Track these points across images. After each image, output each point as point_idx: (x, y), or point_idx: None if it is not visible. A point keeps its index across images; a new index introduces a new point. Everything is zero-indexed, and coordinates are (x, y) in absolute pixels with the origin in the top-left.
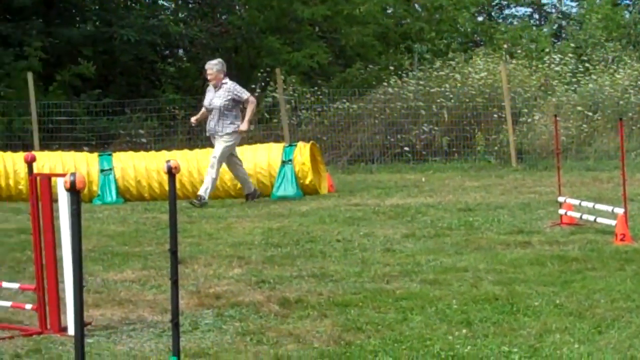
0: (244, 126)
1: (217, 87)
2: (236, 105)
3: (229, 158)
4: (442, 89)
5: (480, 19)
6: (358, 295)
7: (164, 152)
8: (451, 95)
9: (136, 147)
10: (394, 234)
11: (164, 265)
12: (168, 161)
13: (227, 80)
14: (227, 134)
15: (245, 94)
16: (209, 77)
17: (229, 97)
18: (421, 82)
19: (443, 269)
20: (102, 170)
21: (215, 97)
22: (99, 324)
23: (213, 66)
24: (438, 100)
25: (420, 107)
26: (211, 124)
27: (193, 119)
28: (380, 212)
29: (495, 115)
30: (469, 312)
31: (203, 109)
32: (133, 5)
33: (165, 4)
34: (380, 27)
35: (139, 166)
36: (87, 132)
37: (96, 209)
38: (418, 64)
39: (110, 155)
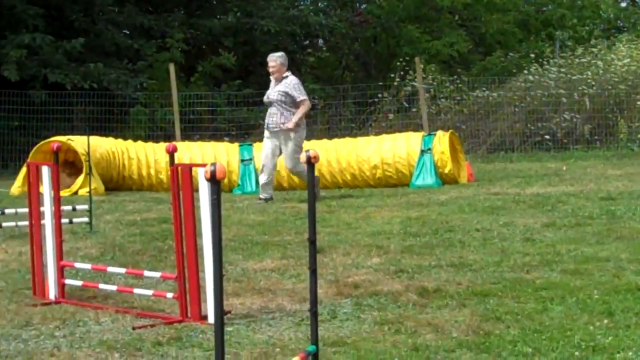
0: (290, 124)
1: (278, 80)
2: (293, 102)
3: (273, 153)
4: (584, 76)
5: (623, 4)
6: (497, 285)
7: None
8: (593, 83)
9: None
10: (534, 223)
11: (302, 254)
12: (307, 151)
13: (289, 74)
14: (290, 129)
15: (302, 96)
16: (271, 70)
17: (285, 91)
18: (562, 70)
19: (584, 258)
20: (242, 160)
21: (273, 92)
22: (239, 312)
23: (277, 58)
24: (580, 88)
25: (562, 94)
26: (273, 118)
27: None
28: (520, 201)
29: (639, 103)
30: (611, 303)
31: None
32: None
33: None
34: (520, 14)
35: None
36: (227, 123)
37: (236, 199)
38: (559, 51)
39: (250, 145)
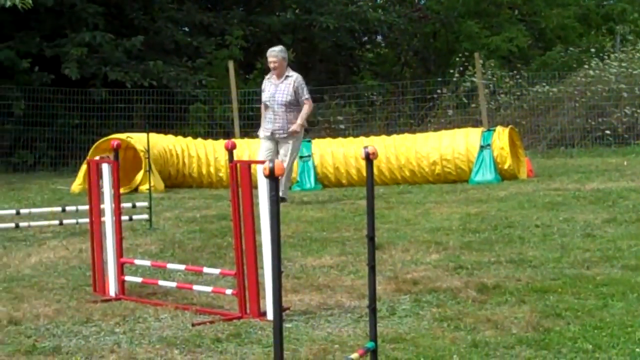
0: (296, 126)
1: (280, 77)
2: (298, 102)
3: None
4: None
5: None
6: (557, 281)
7: (362, 138)
8: None
9: (335, 133)
10: (595, 219)
11: (361, 250)
12: (366, 147)
13: (291, 71)
14: (297, 131)
15: (307, 94)
16: (273, 66)
17: (294, 91)
18: (623, 64)
19: None
20: (301, 157)
21: (278, 92)
22: (298, 309)
23: (278, 53)
24: None
25: (622, 89)
26: (278, 123)
27: (262, 136)
28: (581, 196)
29: None
30: None
31: (263, 111)
32: None
33: None
34: (581, 9)
35: (337, 153)
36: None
37: (295, 196)
38: (620, 45)
39: (309, 142)
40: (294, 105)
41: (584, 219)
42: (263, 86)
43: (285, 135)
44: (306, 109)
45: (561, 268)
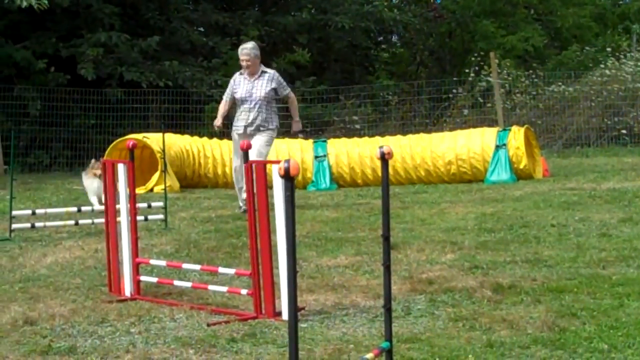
0: (298, 126)
1: (254, 75)
2: (275, 96)
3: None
4: None
5: None
6: (573, 281)
7: (377, 138)
8: None
9: (350, 133)
10: (611, 219)
11: (376, 250)
12: (381, 147)
13: (265, 68)
14: (272, 129)
15: (288, 89)
16: (246, 64)
17: (272, 87)
18: (639, 64)
19: None
20: (316, 157)
21: (255, 87)
22: (313, 309)
23: (250, 51)
24: None
25: (638, 89)
26: (250, 117)
27: (219, 123)
28: (597, 196)
29: None
30: None
31: (223, 106)
32: None
33: None
34: (597, 8)
35: (352, 152)
36: (301, 119)
37: (310, 195)
38: (636, 44)
39: (325, 141)
40: (271, 100)
41: (600, 219)
42: (234, 82)
43: (265, 128)
44: (294, 102)
45: (577, 268)
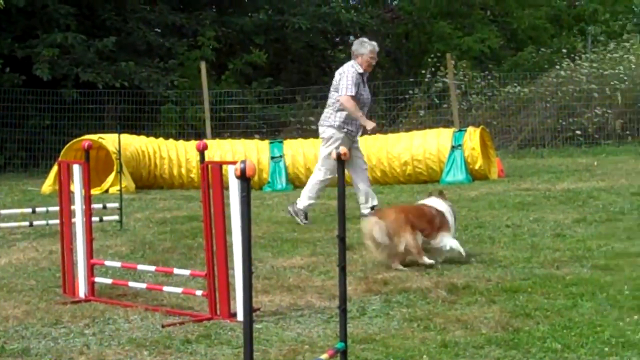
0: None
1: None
2: None
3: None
4: (616, 71)
5: None
6: (527, 281)
7: None
8: (625, 78)
9: (306, 134)
10: (565, 219)
11: (332, 251)
12: (337, 147)
13: None
14: None
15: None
16: (374, 64)
17: None
18: (594, 65)
19: (615, 254)
20: (272, 158)
21: (366, 89)
22: (268, 309)
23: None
24: (611, 83)
25: (593, 90)
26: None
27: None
28: (551, 196)
29: None
30: None
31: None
32: None
33: None
34: (552, 10)
35: (308, 153)
36: (258, 120)
37: (266, 196)
38: (591, 46)
39: (281, 142)
40: None
41: (554, 219)
42: (354, 79)
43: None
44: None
45: (531, 268)
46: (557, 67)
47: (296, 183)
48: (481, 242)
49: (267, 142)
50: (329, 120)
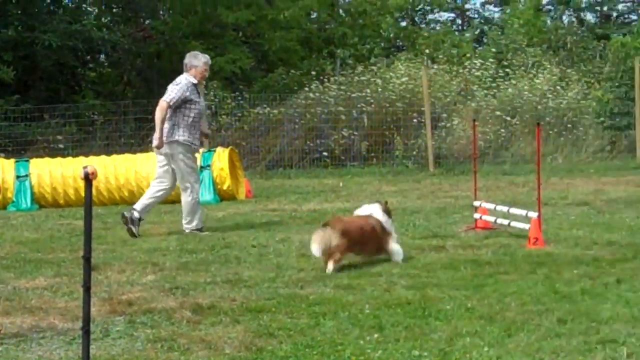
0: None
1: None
2: None
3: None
4: (363, 93)
5: (403, 24)
6: (271, 301)
7: (81, 158)
8: (372, 100)
9: (54, 153)
10: (310, 240)
11: (77, 272)
12: (85, 167)
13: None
14: None
15: None
16: (207, 75)
17: None
18: (342, 87)
19: (357, 274)
20: (18, 177)
21: (201, 99)
22: (9, 331)
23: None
24: (359, 105)
25: (341, 112)
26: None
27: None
28: (297, 217)
29: (415, 120)
30: (381, 317)
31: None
32: (56, 10)
33: (89, 8)
34: (303, 32)
35: (55, 172)
36: (4, 138)
37: (10, 216)
38: (340, 69)
39: (27, 161)
40: None
41: (300, 239)
42: (187, 89)
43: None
44: None
45: (276, 287)
46: (307, 89)
47: (42, 202)
48: (227, 262)
49: (12, 161)
50: (173, 136)
